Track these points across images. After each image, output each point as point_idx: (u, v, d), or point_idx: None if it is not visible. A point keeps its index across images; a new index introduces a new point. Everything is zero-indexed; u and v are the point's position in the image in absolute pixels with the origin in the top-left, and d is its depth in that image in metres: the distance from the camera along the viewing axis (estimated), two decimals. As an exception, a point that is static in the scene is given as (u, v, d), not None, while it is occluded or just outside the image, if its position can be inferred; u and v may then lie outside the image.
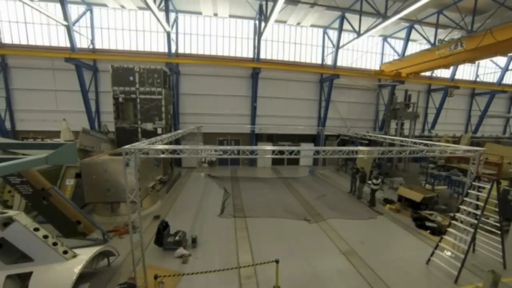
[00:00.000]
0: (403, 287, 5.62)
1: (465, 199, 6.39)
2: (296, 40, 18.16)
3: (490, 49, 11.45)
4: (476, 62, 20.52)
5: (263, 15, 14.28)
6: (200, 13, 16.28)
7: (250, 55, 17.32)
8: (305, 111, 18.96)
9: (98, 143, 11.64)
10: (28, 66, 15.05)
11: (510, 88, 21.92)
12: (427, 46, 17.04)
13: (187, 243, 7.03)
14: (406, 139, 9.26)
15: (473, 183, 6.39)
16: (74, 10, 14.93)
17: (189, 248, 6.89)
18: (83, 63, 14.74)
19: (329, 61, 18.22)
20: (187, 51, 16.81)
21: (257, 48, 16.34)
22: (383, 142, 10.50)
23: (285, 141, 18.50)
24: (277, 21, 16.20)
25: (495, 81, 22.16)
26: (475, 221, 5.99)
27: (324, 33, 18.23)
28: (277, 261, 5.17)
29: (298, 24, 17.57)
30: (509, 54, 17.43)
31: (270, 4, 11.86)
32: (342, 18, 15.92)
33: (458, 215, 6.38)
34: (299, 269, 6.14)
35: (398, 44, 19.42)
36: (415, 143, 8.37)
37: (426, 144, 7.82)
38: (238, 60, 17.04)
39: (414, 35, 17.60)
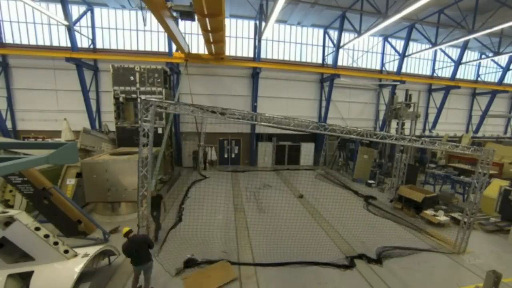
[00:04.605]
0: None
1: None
2: (297, 39, 18.13)
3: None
4: (477, 61, 20.50)
5: (263, 15, 14.27)
6: (200, 13, 16.26)
7: (251, 55, 17.31)
8: (306, 111, 18.92)
9: (98, 142, 11.69)
10: (29, 66, 15.07)
11: (511, 88, 21.87)
12: (428, 46, 17.04)
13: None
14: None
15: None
16: (75, 10, 14.92)
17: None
18: (83, 63, 14.75)
19: (329, 60, 18.20)
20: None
21: (257, 48, 16.33)
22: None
23: (285, 140, 18.56)
24: (277, 20, 16.17)
25: (496, 80, 22.11)
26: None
27: (325, 32, 18.20)
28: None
29: (299, 23, 17.55)
30: (510, 54, 17.35)
31: (271, 3, 11.86)
32: (343, 18, 15.87)
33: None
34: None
35: (399, 44, 19.38)
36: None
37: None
38: (238, 59, 17.00)
39: (415, 34, 17.55)
